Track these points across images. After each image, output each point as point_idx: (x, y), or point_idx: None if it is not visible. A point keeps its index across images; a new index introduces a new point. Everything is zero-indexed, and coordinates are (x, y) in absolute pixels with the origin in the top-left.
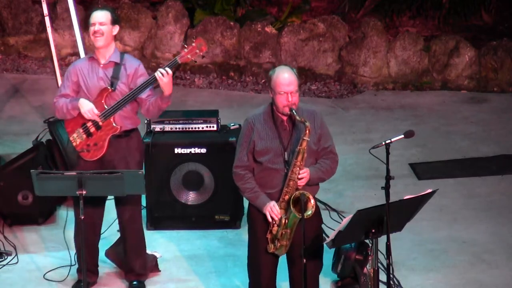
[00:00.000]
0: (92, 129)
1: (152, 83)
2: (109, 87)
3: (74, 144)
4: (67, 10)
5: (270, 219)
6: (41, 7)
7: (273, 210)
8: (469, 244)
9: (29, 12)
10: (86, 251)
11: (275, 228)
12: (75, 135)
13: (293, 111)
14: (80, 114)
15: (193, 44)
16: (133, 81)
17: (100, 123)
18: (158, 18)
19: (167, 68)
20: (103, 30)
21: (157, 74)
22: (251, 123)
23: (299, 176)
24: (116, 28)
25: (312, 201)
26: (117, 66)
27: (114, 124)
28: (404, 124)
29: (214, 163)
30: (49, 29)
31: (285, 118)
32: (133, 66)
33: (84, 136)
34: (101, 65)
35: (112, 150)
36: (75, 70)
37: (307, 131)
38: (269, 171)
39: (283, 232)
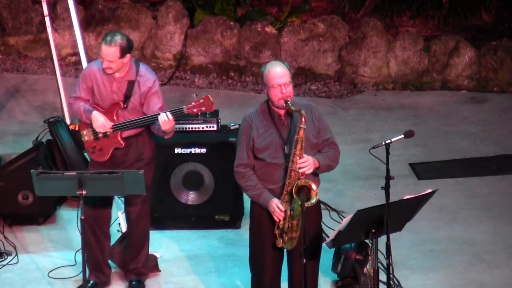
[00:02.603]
0: (100, 135)
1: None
2: (121, 103)
3: (83, 139)
4: (67, 10)
5: (276, 219)
6: (41, 7)
7: (276, 210)
8: (469, 244)
9: (29, 12)
10: (98, 250)
11: (282, 222)
12: (85, 132)
13: (288, 102)
14: None
15: (201, 101)
16: (146, 100)
17: (108, 133)
18: (158, 18)
19: (168, 114)
20: (112, 66)
21: (160, 119)
22: (249, 121)
23: (299, 165)
24: (127, 57)
25: (314, 186)
26: (131, 82)
27: (119, 139)
28: (404, 124)
29: (214, 163)
30: (49, 29)
31: (282, 112)
32: (147, 84)
33: (92, 137)
34: (116, 79)
35: (124, 150)
36: (89, 75)
37: (303, 119)
38: (270, 166)
39: (290, 225)
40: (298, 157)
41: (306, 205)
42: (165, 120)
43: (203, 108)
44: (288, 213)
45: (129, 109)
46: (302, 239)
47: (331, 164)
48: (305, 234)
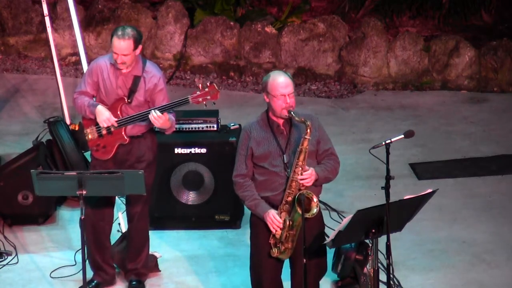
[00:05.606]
0: (104, 132)
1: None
2: (126, 98)
3: (86, 138)
4: (67, 10)
5: (272, 229)
6: (41, 7)
7: (273, 221)
8: (469, 244)
9: (29, 12)
10: (97, 251)
11: (279, 232)
12: (88, 130)
13: (292, 112)
14: None
15: (206, 89)
16: (152, 97)
17: (112, 129)
18: (158, 18)
19: (157, 112)
20: (126, 60)
21: (151, 116)
22: (247, 131)
23: (302, 176)
24: (139, 49)
25: (315, 199)
26: (137, 77)
27: (123, 134)
28: (404, 124)
29: (214, 163)
30: (49, 29)
31: (281, 122)
32: (153, 81)
33: (96, 135)
34: (122, 73)
35: (126, 149)
36: (96, 69)
37: (308, 130)
38: (269, 174)
39: (287, 234)
40: (300, 168)
41: (306, 216)
42: (155, 116)
43: (209, 97)
44: (288, 223)
45: (133, 105)
46: (303, 239)
47: (329, 176)
48: (306, 241)
